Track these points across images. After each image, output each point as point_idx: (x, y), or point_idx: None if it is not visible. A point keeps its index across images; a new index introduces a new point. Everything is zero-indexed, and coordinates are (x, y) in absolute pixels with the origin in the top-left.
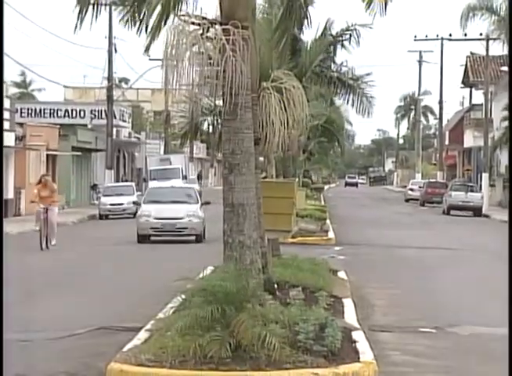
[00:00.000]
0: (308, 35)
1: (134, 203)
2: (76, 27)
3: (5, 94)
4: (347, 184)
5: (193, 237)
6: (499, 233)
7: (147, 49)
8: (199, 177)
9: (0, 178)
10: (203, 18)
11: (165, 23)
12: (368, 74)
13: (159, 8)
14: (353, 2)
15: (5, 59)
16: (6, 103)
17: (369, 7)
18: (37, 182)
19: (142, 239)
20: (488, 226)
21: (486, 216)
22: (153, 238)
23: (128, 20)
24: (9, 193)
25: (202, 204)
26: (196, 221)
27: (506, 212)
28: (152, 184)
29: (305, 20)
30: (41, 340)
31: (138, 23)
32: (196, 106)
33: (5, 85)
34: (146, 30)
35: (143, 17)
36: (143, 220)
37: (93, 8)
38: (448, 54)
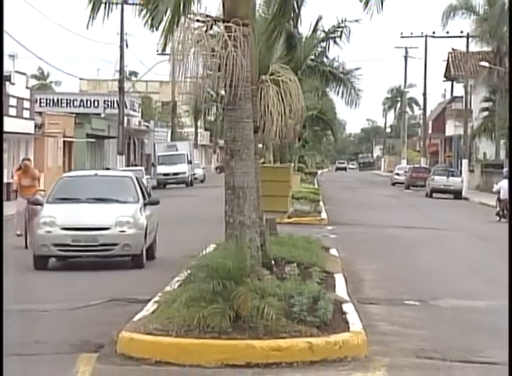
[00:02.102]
0: (303, 32)
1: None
2: (88, 23)
3: (25, 85)
4: (337, 169)
5: (130, 258)
6: (477, 214)
7: (164, 48)
8: (221, 169)
9: (0, 184)
10: (207, 16)
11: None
12: (357, 69)
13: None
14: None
15: (26, 53)
16: (27, 94)
17: (366, 6)
18: (17, 167)
19: (41, 263)
20: (468, 208)
21: (466, 199)
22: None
23: (147, 20)
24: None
25: (146, 204)
26: (132, 232)
27: (483, 195)
28: (160, 169)
29: (299, 18)
30: (58, 310)
31: (153, 21)
32: (201, 97)
33: (25, 77)
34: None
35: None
36: (42, 232)
37: (105, 6)
38: (431, 50)
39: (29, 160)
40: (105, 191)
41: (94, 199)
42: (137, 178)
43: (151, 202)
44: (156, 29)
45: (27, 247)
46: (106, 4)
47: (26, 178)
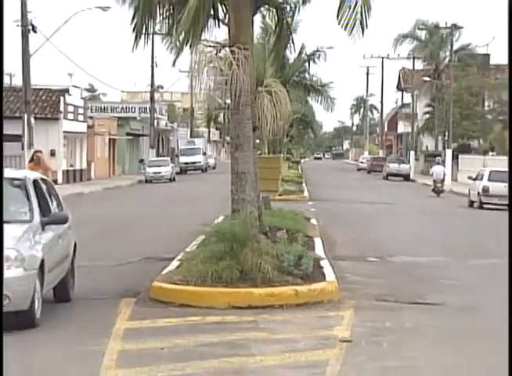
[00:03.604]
0: (291, 55)
1: None
2: (133, 48)
3: (80, 96)
4: (315, 158)
5: (15, 316)
6: (421, 192)
7: (174, 64)
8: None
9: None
10: (217, 43)
11: (190, 47)
12: (331, 82)
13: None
14: (324, 30)
15: (79, 71)
16: (81, 103)
17: (351, 33)
18: (29, 159)
19: None
20: (414, 188)
21: (412, 180)
22: None
23: (169, 45)
24: (83, 165)
25: (47, 224)
26: (14, 275)
27: (426, 177)
28: (182, 159)
29: (290, 43)
30: (105, 266)
31: (174, 46)
32: (212, 105)
33: (79, 90)
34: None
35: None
36: None
37: (145, 37)
38: (387, 67)
39: (40, 152)
40: None
41: None
42: (36, 182)
43: (54, 220)
44: (175, 52)
45: None
46: (145, 35)
47: (38, 169)
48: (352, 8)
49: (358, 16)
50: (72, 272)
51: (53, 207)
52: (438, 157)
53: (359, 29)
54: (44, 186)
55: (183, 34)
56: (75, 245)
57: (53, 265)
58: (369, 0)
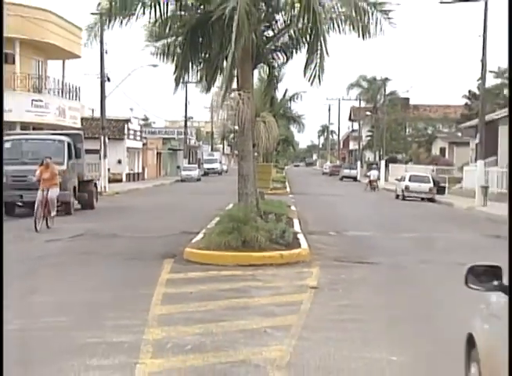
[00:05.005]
0: (278, 95)
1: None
2: (174, 91)
3: (138, 124)
4: (294, 166)
5: None
6: (362, 188)
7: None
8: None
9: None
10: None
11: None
12: (303, 115)
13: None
14: (299, 78)
15: (137, 106)
16: (138, 128)
17: (312, 84)
18: (40, 163)
19: None
20: (359, 186)
21: (358, 181)
22: None
23: (201, 90)
24: (139, 170)
25: None
26: None
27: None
28: (205, 166)
29: (277, 88)
30: (154, 237)
31: (205, 90)
32: (225, 129)
33: (137, 120)
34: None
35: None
36: None
37: (183, 84)
38: (342, 105)
39: (50, 158)
40: None
41: None
42: None
43: None
44: (207, 91)
45: (36, 230)
46: (183, 83)
47: (46, 173)
48: (312, 68)
49: (317, 73)
50: None
51: None
52: (374, 165)
53: (317, 82)
54: None
55: (223, 86)
56: None
57: None
58: (323, 64)
